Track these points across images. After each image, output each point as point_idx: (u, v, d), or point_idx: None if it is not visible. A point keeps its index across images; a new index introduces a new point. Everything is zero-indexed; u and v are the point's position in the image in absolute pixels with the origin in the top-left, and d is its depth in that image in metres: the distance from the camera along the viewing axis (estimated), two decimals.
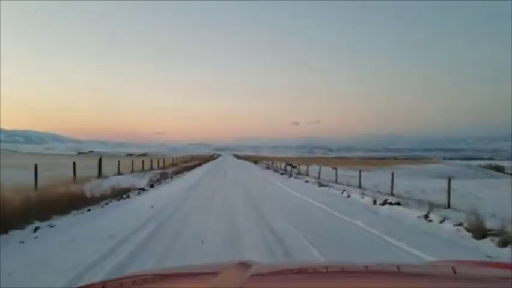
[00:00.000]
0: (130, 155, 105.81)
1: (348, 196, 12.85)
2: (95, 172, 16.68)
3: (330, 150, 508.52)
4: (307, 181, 20.18)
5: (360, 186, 15.41)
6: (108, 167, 18.93)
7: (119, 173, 18.98)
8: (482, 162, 77.47)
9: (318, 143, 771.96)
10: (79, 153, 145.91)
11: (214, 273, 1.11)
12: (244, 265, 1.21)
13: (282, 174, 26.81)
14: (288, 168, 31.12)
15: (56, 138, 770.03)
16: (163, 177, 19.83)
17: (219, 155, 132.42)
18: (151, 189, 14.95)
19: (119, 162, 20.22)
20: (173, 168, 26.70)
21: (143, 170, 23.15)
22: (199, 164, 40.99)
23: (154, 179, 17.97)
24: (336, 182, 18.52)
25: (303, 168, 30.62)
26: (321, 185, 17.40)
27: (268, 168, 36.46)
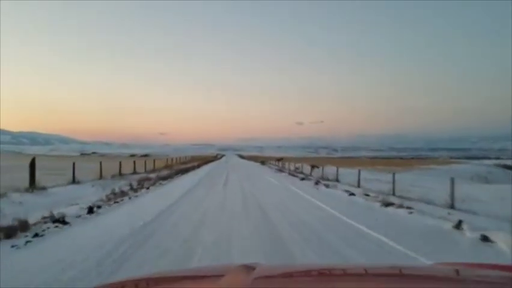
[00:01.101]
0: (133, 155, 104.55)
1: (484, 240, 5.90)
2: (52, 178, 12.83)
3: (335, 150, 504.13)
4: (351, 193, 13.03)
5: (452, 205, 9.37)
6: (83, 170, 16.24)
7: (74, 181, 14.21)
8: (491, 162, 74.05)
9: (323, 143, 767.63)
10: (81, 154, 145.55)
11: (218, 276, 1.14)
12: (249, 267, 1.22)
13: (302, 179, 20.47)
14: (296, 169, 26.73)
15: (62, 140, 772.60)
16: (137, 187, 14.16)
17: (223, 155, 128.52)
18: (76, 222, 7.32)
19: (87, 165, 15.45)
20: (164, 172, 22.30)
21: (120, 174, 18.72)
22: (198, 166, 35.85)
23: (117, 191, 11.94)
24: (393, 193, 12.53)
25: (317, 170, 27.34)
26: (386, 203, 9.94)
27: (280, 170, 30.17)
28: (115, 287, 1.30)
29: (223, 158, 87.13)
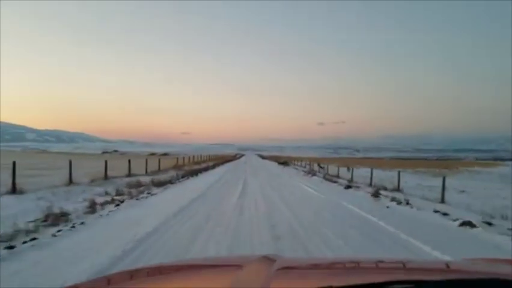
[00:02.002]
0: (153, 154, 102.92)
1: None
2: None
3: (357, 150, 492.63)
4: (465, 222, 7.45)
5: None
6: (81, 170, 14.06)
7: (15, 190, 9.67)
8: None
9: (344, 143, 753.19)
10: (103, 152, 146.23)
11: (238, 266, 1.15)
12: (269, 259, 1.24)
13: (347, 187, 15.24)
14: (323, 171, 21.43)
15: (86, 138, 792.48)
16: (103, 203, 9.22)
17: (242, 155, 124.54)
18: None
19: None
20: (168, 174, 18.11)
21: (105, 178, 14.61)
22: (213, 166, 31.19)
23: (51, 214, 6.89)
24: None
25: (347, 172, 22.21)
26: None
27: (310, 173, 24.77)
28: (135, 274, 1.28)
29: (242, 158, 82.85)
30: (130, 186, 12.37)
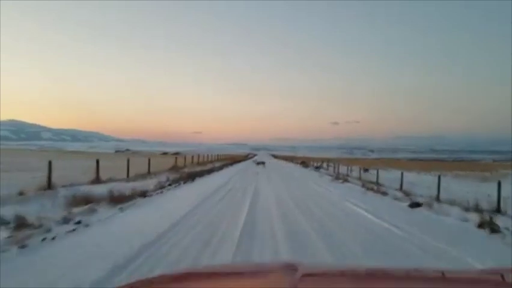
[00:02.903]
0: (165, 153, 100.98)
1: None
2: None
3: (371, 151, 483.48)
4: None
5: None
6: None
7: None
8: None
9: (358, 144, 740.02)
10: (116, 151, 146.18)
11: (260, 273, 1.20)
12: (292, 266, 1.21)
13: (412, 206, 9.82)
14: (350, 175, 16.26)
15: (101, 137, 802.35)
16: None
17: (254, 155, 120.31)
18: None
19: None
20: (158, 178, 14.04)
21: (49, 187, 9.43)
22: (220, 168, 26.91)
23: None
24: None
25: (381, 175, 17.75)
26: None
27: (340, 179, 19.40)
28: (154, 281, 1.26)
29: (255, 158, 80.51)
30: (62, 205, 7.73)
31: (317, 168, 31.19)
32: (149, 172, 16.44)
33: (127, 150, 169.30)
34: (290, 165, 39.29)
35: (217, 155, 50.50)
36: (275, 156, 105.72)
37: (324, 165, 33.93)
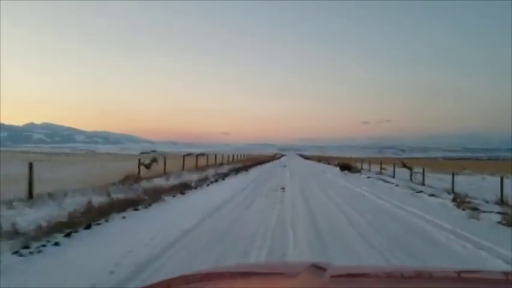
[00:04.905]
0: (189, 154, 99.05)
1: None
2: None
3: (403, 150, 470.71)
4: None
5: None
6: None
7: None
8: None
9: (389, 143, 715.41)
10: (141, 152, 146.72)
11: (288, 273, 1.19)
12: (319, 267, 1.21)
13: None
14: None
15: (132, 139, 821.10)
16: None
17: (282, 155, 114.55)
18: None
19: None
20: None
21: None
22: (236, 171, 22.98)
23: None
24: None
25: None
26: None
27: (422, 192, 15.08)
28: (179, 281, 1.27)
29: (283, 159, 74.01)
30: None
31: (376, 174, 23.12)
32: (138, 177, 13.50)
33: (153, 151, 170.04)
34: (327, 168, 32.27)
35: (239, 156, 47.16)
36: (305, 157, 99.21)
37: (363, 165, 28.58)
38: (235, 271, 1.46)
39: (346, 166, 27.61)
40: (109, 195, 8.83)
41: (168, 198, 10.36)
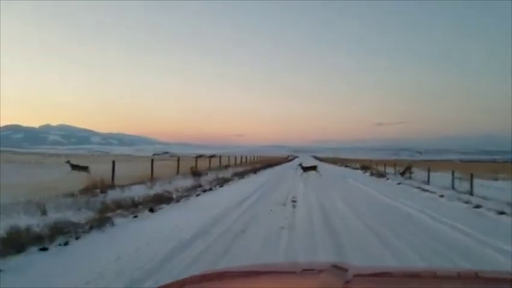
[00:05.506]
0: (200, 156, 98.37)
1: None
2: None
3: (419, 152, 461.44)
4: None
5: None
6: None
7: None
8: None
9: (404, 145, 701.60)
10: (154, 154, 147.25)
11: (309, 273, 1.18)
12: (340, 267, 1.20)
13: None
14: None
15: (146, 141, 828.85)
16: None
17: (295, 157, 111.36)
18: None
19: None
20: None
21: None
22: (242, 175, 20.61)
23: None
24: None
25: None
26: None
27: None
28: (193, 280, 1.25)
29: (296, 161, 71.92)
30: None
31: (402, 175, 20.16)
32: (107, 184, 10.81)
33: (166, 153, 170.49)
34: (347, 171, 28.20)
35: (248, 158, 45.38)
36: (319, 159, 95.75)
37: (381, 167, 25.04)
38: (252, 270, 1.40)
39: (366, 167, 25.29)
40: (44, 213, 6.46)
41: (122, 222, 7.18)
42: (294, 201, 10.79)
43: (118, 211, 7.57)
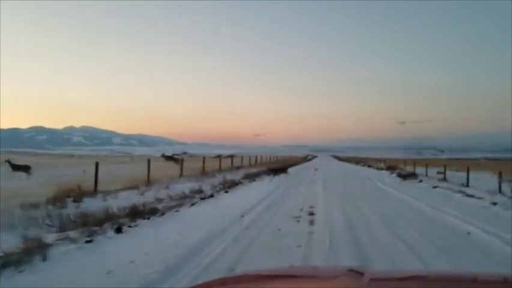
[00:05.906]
0: (218, 156, 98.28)
1: None
2: None
3: (442, 151, 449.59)
4: None
5: None
6: None
7: None
8: None
9: (427, 143, 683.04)
10: (173, 154, 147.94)
11: (326, 277, 1.17)
12: (357, 271, 1.19)
13: None
14: None
15: (166, 142, 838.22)
16: None
17: (314, 157, 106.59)
18: None
19: None
20: None
21: None
22: (254, 177, 19.02)
23: None
24: None
25: None
26: None
27: None
28: (217, 283, 1.27)
29: (315, 160, 68.84)
30: None
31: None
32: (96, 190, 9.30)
33: (184, 153, 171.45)
34: (381, 174, 24.63)
35: (263, 158, 44.15)
36: (340, 159, 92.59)
37: (409, 167, 22.72)
38: (271, 274, 1.38)
39: (393, 168, 23.40)
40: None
41: (63, 252, 4.82)
42: (311, 214, 8.42)
43: (78, 229, 5.77)
